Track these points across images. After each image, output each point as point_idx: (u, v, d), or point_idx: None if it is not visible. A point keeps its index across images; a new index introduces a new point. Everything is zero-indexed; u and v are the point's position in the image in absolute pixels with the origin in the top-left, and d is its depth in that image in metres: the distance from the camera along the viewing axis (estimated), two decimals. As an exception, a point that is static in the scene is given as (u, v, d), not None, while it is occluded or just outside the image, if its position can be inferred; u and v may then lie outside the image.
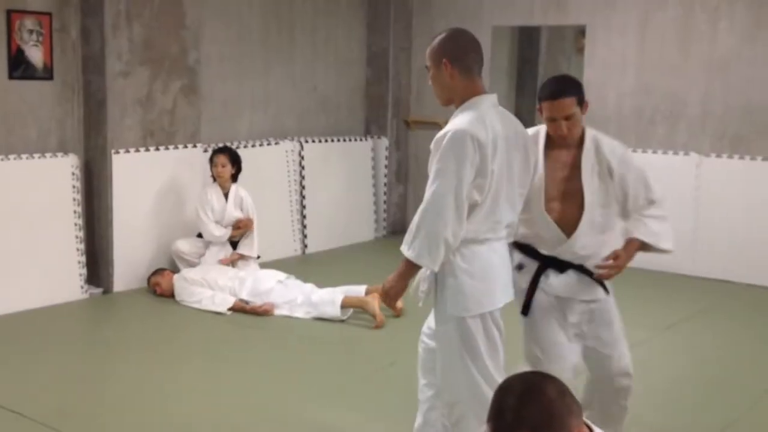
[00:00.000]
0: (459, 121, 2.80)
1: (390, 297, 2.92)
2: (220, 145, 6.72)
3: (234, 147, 6.95)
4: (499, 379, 2.88)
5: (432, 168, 2.78)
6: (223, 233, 6.28)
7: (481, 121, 2.79)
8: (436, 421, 3.10)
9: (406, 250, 2.81)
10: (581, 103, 3.11)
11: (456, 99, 2.90)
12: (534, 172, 3.05)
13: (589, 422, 1.84)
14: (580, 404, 1.80)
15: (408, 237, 2.82)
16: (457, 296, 2.83)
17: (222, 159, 6.28)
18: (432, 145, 2.83)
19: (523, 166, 2.95)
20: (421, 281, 2.97)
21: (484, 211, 2.82)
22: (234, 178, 6.37)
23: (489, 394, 2.78)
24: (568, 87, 3.10)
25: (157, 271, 6.14)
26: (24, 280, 5.65)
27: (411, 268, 2.84)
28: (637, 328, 5.51)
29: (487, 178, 2.78)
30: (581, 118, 3.12)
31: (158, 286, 6.04)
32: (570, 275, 3.13)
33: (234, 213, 6.31)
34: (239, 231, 6.33)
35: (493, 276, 2.90)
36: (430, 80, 2.93)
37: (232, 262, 6.32)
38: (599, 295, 3.18)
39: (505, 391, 1.80)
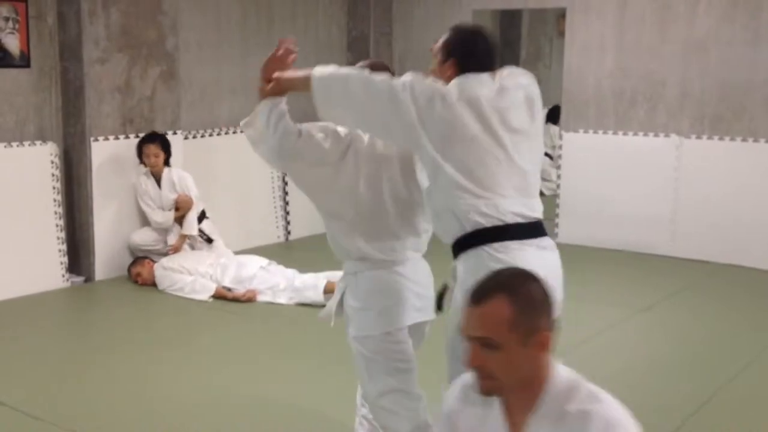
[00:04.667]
0: None
1: (276, 82, 2.75)
2: (201, 131, 6.72)
3: (214, 134, 6.95)
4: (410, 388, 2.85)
5: None
6: (164, 218, 6.21)
7: None
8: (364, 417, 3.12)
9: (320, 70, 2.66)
10: None
11: None
12: None
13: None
14: (556, 321, 1.86)
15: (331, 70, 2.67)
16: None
17: (154, 149, 6.13)
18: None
19: None
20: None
21: None
22: (166, 162, 6.25)
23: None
24: None
25: (137, 261, 6.12)
26: (5, 269, 5.63)
27: (306, 80, 2.66)
28: (615, 309, 5.57)
29: None
30: None
31: (139, 276, 6.02)
32: None
33: (169, 196, 6.23)
34: (180, 212, 6.24)
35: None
36: None
37: (190, 246, 6.31)
38: None
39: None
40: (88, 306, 5.83)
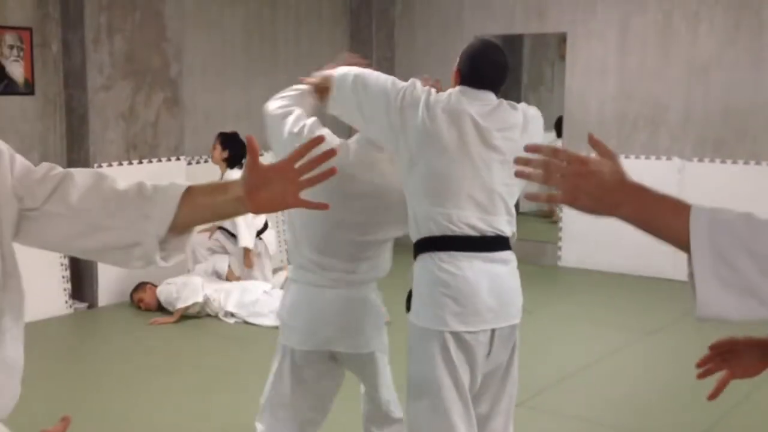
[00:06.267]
0: None
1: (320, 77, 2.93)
2: (204, 157, 6.75)
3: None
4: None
5: None
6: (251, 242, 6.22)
7: None
8: None
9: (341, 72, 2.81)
10: None
11: None
12: None
13: None
14: None
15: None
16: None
17: (214, 142, 6.20)
18: None
19: None
20: None
21: None
22: (230, 162, 6.21)
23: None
24: None
25: (139, 286, 6.10)
26: (8, 296, 5.62)
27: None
28: (620, 333, 5.54)
29: None
30: None
31: (142, 302, 6.02)
32: None
33: None
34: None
35: None
36: None
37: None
38: None
39: None
40: (92, 332, 5.82)
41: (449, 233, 2.62)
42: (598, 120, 7.39)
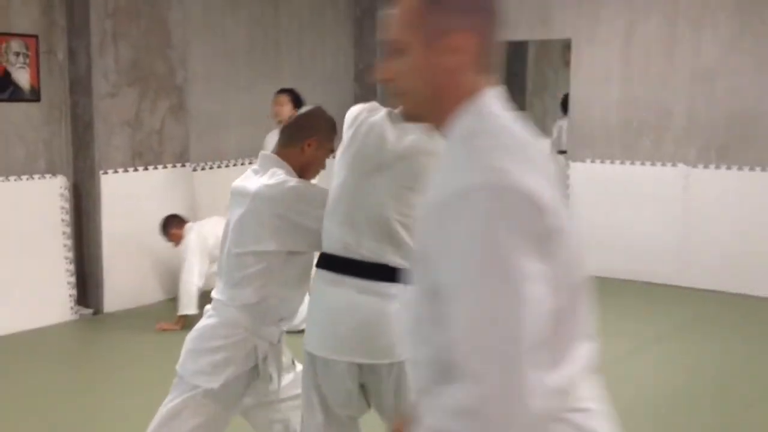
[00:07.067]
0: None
1: None
2: (210, 163, 6.75)
3: (223, 165, 6.98)
4: None
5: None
6: None
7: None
8: None
9: None
10: None
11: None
12: None
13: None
14: None
15: None
16: None
17: (281, 99, 6.03)
18: None
19: None
20: None
21: None
22: None
23: None
24: None
25: (171, 220, 5.91)
26: (13, 301, 5.64)
27: None
28: (626, 340, 5.53)
29: None
30: None
31: (175, 237, 5.85)
32: None
33: None
34: None
35: None
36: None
37: None
38: None
39: None
40: (97, 339, 5.82)
41: (330, 251, 2.50)
42: (603, 126, 7.39)
